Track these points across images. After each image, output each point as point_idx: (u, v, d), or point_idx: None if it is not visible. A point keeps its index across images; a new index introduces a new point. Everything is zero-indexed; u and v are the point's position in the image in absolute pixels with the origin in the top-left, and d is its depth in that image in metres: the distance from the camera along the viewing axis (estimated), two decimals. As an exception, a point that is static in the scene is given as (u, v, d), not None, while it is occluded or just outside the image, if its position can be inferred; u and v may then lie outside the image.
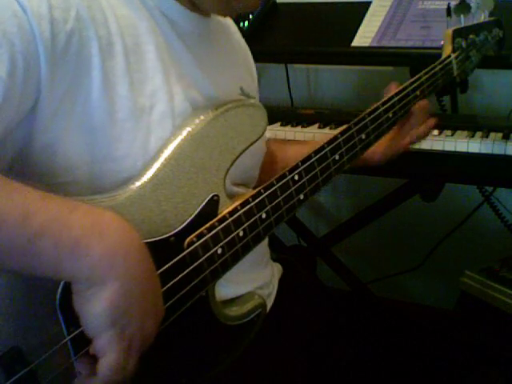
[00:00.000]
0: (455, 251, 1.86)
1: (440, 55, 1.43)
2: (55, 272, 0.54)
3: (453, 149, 1.26)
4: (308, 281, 1.15)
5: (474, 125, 1.35)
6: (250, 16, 1.61)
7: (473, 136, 1.29)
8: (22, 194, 0.54)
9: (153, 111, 0.69)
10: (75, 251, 0.53)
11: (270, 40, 1.65)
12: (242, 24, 1.63)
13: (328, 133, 1.42)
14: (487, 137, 1.28)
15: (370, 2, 1.62)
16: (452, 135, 1.29)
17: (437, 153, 1.27)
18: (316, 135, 1.40)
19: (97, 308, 0.54)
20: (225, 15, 0.84)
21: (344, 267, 1.88)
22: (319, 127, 1.44)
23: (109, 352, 0.55)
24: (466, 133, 1.31)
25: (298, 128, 1.43)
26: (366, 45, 1.53)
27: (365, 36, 1.55)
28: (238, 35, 0.96)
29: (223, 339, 0.77)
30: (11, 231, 0.51)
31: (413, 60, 1.45)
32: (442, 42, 1.06)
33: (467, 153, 1.26)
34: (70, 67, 0.63)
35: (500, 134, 1.28)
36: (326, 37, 1.59)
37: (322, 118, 1.50)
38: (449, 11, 1.15)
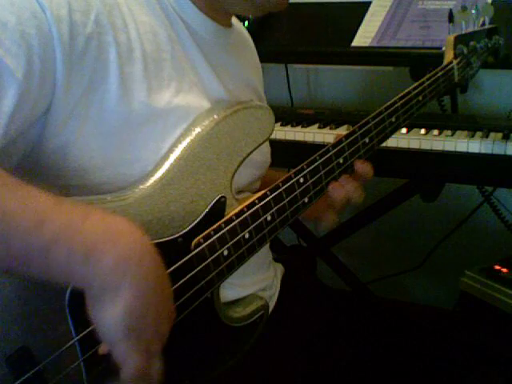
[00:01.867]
0: (455, 251, 1.86)
1: (440, 55, 1.43)
2: (68, 279, 0.54)
3: (453, 149, 1.26)
4: (308, 281, 1.15)
5: (473, 125, 1.35)
6: (250, 16, 1.61)
7: (473, 136, 1.29)
8: (36, 199, 0.54)
9: (168, 118, 0.69)
10: (88, 259, 0.53)
11: (270, 40, 1.65)
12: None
13: (328, 133, 1.42)
14: (487, 137, 1.28)
15: (370, 2, 1.62)
16: (452, 135, 1.29)
17: (437, 153, 1.27)
18: (316, 135, 1.40)
19: (112, 316, 0.53)
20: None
21: (344, 267, 1.88)
22: (319, 127, 1.44)
23: (129, 359, 0.55)
24: (465, 133, 1.31)
25: (298, 128, 1.43)
26: (366, 45, 1.53)
27: (365, 36, 1.55)
28: (253, 50, 0.97)
29: (226, 340, 0.77)
30: (25, 237, 0.51)
31: (413, 60, 1.45)
32: (444, 48, 1.06)
33: (467, 153, 1.26)
34: (86, 71, 0.62)
35: (500, 134, 1.28)
36: (326, 37, 1.59)
37: (322, 118, 1.50)
38: (451, 17, 1.16)
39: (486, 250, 1.73)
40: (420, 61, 1.44)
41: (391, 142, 1.25)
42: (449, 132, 1.30)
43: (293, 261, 0.99)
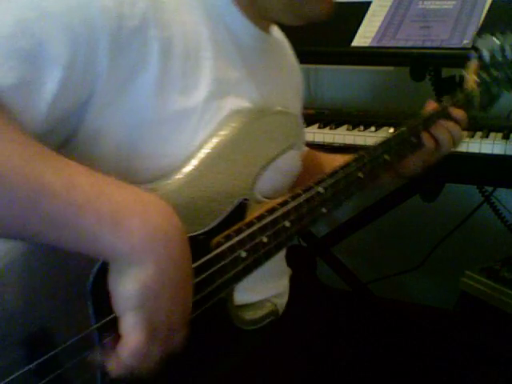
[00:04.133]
0: (455, 251, 1.86)
1: (440, 55, 1.43)
2: (94, 247, 0.54)
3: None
4: (308, 281, 1.15)
5: (473, 125, 1.34)
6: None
7: (473, 136, 1.29)
8: (69, 165, 0.54)
9: (201, 116, 0.69)
10: (117, 228, 0.53)
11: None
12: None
13: (328, 133, 1.42)
14: (487, 137, 1.28)
15: (370, 2, 1.62)
16: (452, 135, 1.29)
17: (437, 153, 1.27)
18: (316, 135, 1.41)
19: (129, 287, 0.53)
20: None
21: (344, 267, 1.88)
22: (319, 127, 1.44)
23: (132, 333, 0.54)
24: (466, 133, 1.30)
25: (298, 128, 1.42)
26: (366, 45, 1.53)
27: (365, 36, 1.55)
28: (292, 56, 0.98)
29: (234, 343, 0.78)
30: (55, 200, 0.51)
31: (413, 60, 1.45)
32: (464, 73, 1.08)
33: (467, 153, 1.26)
34: (128, 63, 0.63)
35: (500, 134, 1.28)
36: (326, 37, 1.59)
37: (322, 118, 1.50)
38: (475, 45, 1.16)
39: (486, 250, 1.73)
40: (420, 61, 1.44)
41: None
42: (449, 132, 1.30)
43: (293, 261, 0.99)
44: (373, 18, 1.59)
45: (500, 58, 1.12)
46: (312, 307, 1.02)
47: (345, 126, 1.45)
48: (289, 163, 0.84)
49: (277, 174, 0.79)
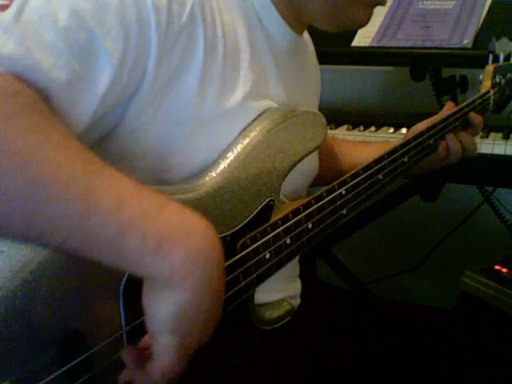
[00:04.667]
0: (455, 251, 1.86)
1: (440, 55, 1.43)
2: (135, 267, 0.53)
3: (453, 149, 1.26)
4: (308, 281, 1.15)
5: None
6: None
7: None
8: (119, 180, 0.53)
9: (236, 117, 0.70)
10: (160, 250, 0.52)
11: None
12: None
13: (328, 133, 1.41)
14: (487, 137, 1.28)
15: (370, 2, 1.62)
16: (452, 135, 1.29)
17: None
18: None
19: (165, 309, 0.53)
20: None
21: (344, 267, 1.88)
22: (319, 127, 1.44)
23: (166, 356, 0.54)
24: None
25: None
26: (366, 45, 1.53)
27: (365, 36, 1.55)
28: (314, 55, 1.00)
29: (252, 342, 0.78)
30: (101, 220, 0.50)
31: (413, 60, 1.45)
32: (481, 77, 1.10)
33: (467, 153, 1.26)
34: (174, 61, 0.63)
35: (500, 134, 1.28)
36: (326, 37, 1.58)
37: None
38: (491, 47, 1.17)
39: (485, 250, 1.73)
40: (420, 61, 1.44)
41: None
42: (449, 132, 1.30)
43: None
44: (373, 17, 1.58)
45: None
46: (312, 307, 1.01)
47: (345, 126, 1.45)
48: (309, 163, 0.84)
49: (298, 175, 0.79)
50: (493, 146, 1.23)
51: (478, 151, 1.24)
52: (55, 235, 0.50)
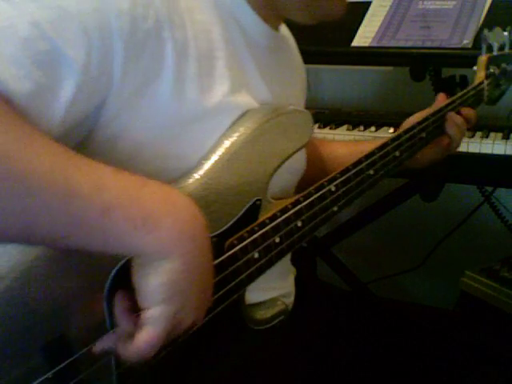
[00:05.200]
0: (455, 251, 1.86)
1: (440, 55, 1.43)
2: (123, 246, 0.54)
3: (453, 149, 1.26)
4: (308, 281, 1.15)
5: (474, 125, 1.34)
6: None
7: (473, 136, 1.29)
8: (95, 166, 0.54)
9: (217, 117, 0.70)
10: (146, 224, 0.53)
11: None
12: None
13: (328, 133, 1.42)
14: (487, 137, 1.28)
15: (370, 2, 1.62)
16: (452, 135, 1.29)
17: (437, 153, 1.27)
18: (316, 135, 1.40)
19: (156, 281, 0.54)
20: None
21: (344, 267, 1.88)
22: (319, 127, 1.44)
23: (155, 326, 0.54)
24: (466, 133, 1.30)
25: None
26: (366, 45, 1.53)
27: (365, 36, 1.55)
28: (297, 54, 0.98)
29: (246, 343, 0.78)
30: (84, 203, 0.51)
31: (413, 60, 1.45)
32: (475, 68, 1.09)
33: (467, 153, 1.26)
34: (143, 66, 0.62)
35: (500, 134, 1.28)
36: (326, 37, 1.59)
37: (322, 118, 1.50)
38: (484, 38, 1.16)
39: (486, 250, 1.73)
40: (420, 61, 1.44)
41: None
42: (449, 132, 1.30)
43: (293, 261, 1.00)
44: (373, 17, 1.59)
45: (508, 50, 1.13)
46: (312, 307, 1.01)
47: (345, 126, 1.45)
48: (296, 161, 0.84)
49: (285, 173, 0.79)
50: (493, 145, 1.23)
51: (479, 151, 1.24)
52: (39, 227, 0.50)
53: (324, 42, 1.59)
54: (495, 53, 1.11)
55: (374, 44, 1.52)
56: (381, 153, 0.85)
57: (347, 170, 0.79)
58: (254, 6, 0.77)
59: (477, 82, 1.06)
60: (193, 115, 0.67)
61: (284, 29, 0.92)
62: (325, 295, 1.13)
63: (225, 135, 0.70)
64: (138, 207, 0.53)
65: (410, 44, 1.49)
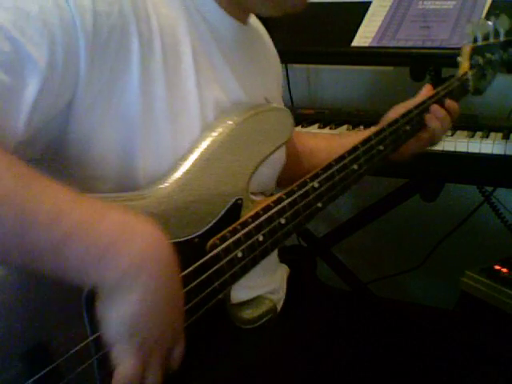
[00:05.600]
0: (455, 251, 1.86)
1: (440, 55, 1.43)
2: (82, 277, 0.53)
3: (453, 149, 1.27)
4: (308, 281, 1.15)
5: (474, 125, 1.35)
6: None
7: (473, 136, 1.29)
8: (54, 192, 0.53)
9: (185, 114, 0.69)
10: (104, 259, 0.52)
11: (270, 40, 1.65)
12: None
13: (328, 133, 1.42)
14: (487, 137, 1.28)
15: (370, 2, 1.62)
16: (452, 135, 1.29)
17: (437, 153, 1.27)
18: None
19: (118, 315, 0.53)
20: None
21: (344, 267, 1.88)
22: (319, 127, 1.44)
23: (125, 362, 0.54)
24: (465, 133, 1.31)
25: (298, 128, 1.43)
26: (366, 45, 1.53)
27: (365, 36, 1.55)
28: (270, 44, 0.97)
29: (235, 342, 0.78)
30: (42, 230, 0.50)
31: (413, 60, 1.45)
32: (459, 58, 1.07)
33: (467, 153, 1.26)
34: (109, 62, 0.62)
35: (500, 134, 1.28)
36: (326, 37, 1.59)
37: (322, 118, 1.50)
38: (468, 31, 1.16)
39: (485, 250, 1.73)
40: (420, 61, 1.44)
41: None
42: (449, 132, 1.30)
43: (293, 261, 1.00)
44: (373, 17, 1.59)
45: (493, 40, 1.12)
46: (312, 307, 1.01)
47: (345, 126, 1.45)
48: (276, 155, 0.83)
49: (265, 168, 0.79)
50: (493, 145, 1.23)
51: (479, 151, 1.24)
52: None
53: (324, 42, 1.59)
54: (479, 43, 1.09)
55: (374, 44, 1.52)
56: (364, 147, 0.84)
57: (330, 166, 0.79)
58: (219, 0, 0.76)
59: (461, 72, 1.05)
60: (162, 112, 0.66)
61: (254, 20, 0.91)
62: (325, 295, 1.13)
63: (203, 136, 0.69)
64: (95, 240, 0.52)
65: (410, 44, 1.48)
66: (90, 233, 0.52)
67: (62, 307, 0.57)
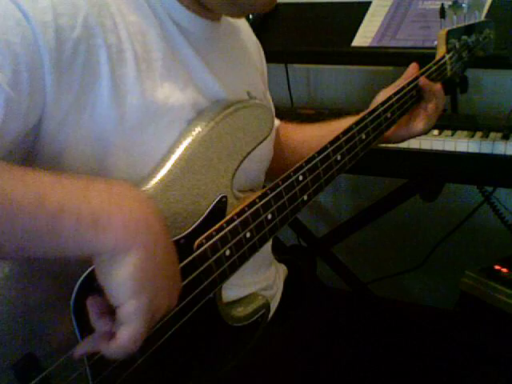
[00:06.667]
0: (455, 251, 1.86)
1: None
2: (79, 248, 0.53)
3: (453, 149, 1.27)
4: (308, 281, 1.15)
5: (474, 125, 1.35)
6: (250, 16, 1.61)
7: (473, 136, 1.29)
8: (34, 176, 0.53)
9: (163, 118, 0.68)
10: (97, 224, 0.52)
11: (270, 40, 1.65)
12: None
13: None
14: (487, 137, 1.28)
15: (370, 2, 1.62)
16: (452, 135, 1.29)
17: (437, 153, 1.27)
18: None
19: (123, 275, 0.53)
20: (233, 16, 0.83)
21: (344, 267, 1.88)
22: (319, 127, 1.44)
23: (134, 321, 0.54)
24: (465, 133, 1.31)
25: (298, 128, 1.42)
26: (366, 45, 1.53)
27: (365, 36, 1.55)
28: (249, 36, 0.96)
29: (229, 341, 0.77)
30: (29, 215, 0.50)
31: (413, 60, 1.45)
32: (436, 43, 1.07)
33: (467, 153, 1.26)
34: (76, 77, 0.61)
35: (500, 134, 1.28)
36: (326, 37, 1.59)
37: (322, 118, 1.49)
38: (443, 12, 1.17)
39: (486, 250, 1.73)
40: (420, 61, 1.44)
41: (391, 142, 1.25)
42: (449, 132, 1.30)
43: (293, 261, 1.00)
44: (373, 18, 1.59)
45: (469, 23, 1.12)
46: (312, 307, 1.01)
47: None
48: (262, 150, 0.83)
49: (251, 163, 0.78)
50: (493, 145, 1.23)
51: (478, 151, 1.24)
52: None
53: (324, 42, 1.60)
54: (454, 26, 1.10)
55: (374, 44, 1.52)
56: (345, 137, 0.84)
57: (313, 157, 0.79)
58: (184, 2, 0.75)
59: (438, 57, 1.05)
60: (137, 120, 0.66)
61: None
62: (325, 295, 1.13)
63: (182, 135, 0.69)
64: (85, 208, 0.52)
65: (409, 44, 1.49)
66: (78, 204, 0.52)
67: (49, 315, 0.57)
